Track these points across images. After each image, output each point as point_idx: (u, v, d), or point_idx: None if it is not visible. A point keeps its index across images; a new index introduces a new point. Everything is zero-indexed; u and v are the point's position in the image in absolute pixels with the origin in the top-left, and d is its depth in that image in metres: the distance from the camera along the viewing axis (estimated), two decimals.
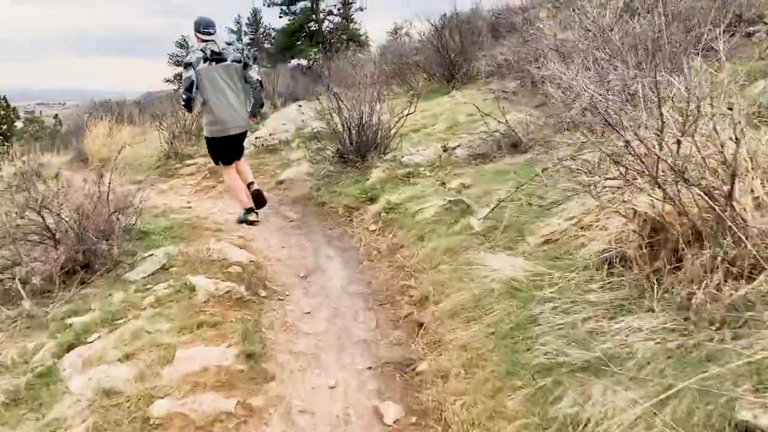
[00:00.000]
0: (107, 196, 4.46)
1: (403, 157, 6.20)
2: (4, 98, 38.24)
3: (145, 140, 11.97)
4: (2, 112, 37.65)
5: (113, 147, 11.68)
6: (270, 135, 8.47)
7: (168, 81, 52.23)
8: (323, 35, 31.99)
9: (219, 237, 5.01)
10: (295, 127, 8.83)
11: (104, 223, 4.34)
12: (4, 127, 36.73)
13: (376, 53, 33.53)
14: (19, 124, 40.30)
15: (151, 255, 4.20)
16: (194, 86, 4.95)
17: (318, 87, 18.99)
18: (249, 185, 5.52)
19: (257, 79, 5.28)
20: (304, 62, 33.04)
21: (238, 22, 56.22)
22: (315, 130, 8.38)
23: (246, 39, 56.30)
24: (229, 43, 5.20)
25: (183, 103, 5.14)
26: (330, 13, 33.16)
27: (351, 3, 33.71)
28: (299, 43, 31.74)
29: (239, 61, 5.14)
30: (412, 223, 4.59)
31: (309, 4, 32.10)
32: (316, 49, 32.42)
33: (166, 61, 52.38)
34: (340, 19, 33.73)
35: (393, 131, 6.55)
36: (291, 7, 32.60)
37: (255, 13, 57.02)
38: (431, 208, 4.62)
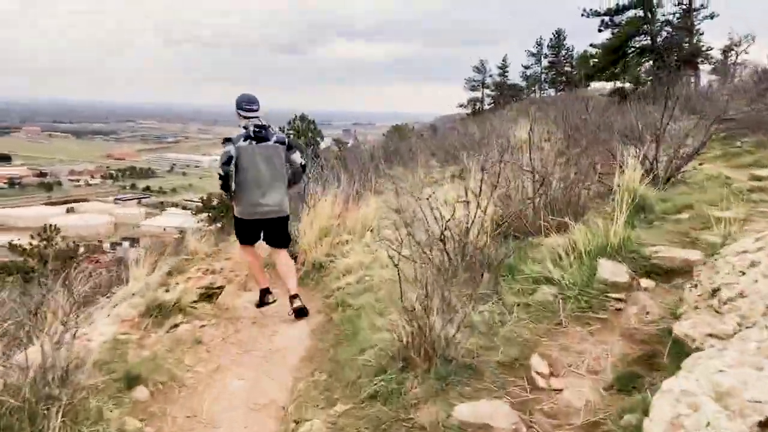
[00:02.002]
0: None
1: None
2: (312, 121, 39.48)
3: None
4: (310, 134, 39.27)
5: (344, 237, 6.26)
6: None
7: (461, 105, 49.59)
8: (658, 50, 23.40)
9: None
10: None
11: None
12: (310, 148, 37.88)
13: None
14: (323, 144, 41.43)
15: None
16: (232, 161, 4.43)
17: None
18: (292, 299, 4.56)
19: (301, 164, 4.84)
20: (625, 85, 24.95)
21: (539, 44, 51.21)
22: None
23: (545, 62, 50.67)
24: (266, 126, 4.64)
25: (220, 180, 4.55)
26: (667, 23, 24.33)
27: (698, 9, 24.30)
28: (624, 60, 23.71)
29: (283, 143, 4.68)
30: None
31: (641, 13, 23.81)
32: (641, 68, 24.03)
33: (462, 85, 50.15)
34: (675, 31, 24.64)
35: None
36: (615, 17, 24.73)
37: (558, 33, 51.12)
38: None
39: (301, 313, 4.51)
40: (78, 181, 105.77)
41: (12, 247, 28.04)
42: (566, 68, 49.74)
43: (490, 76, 50.49)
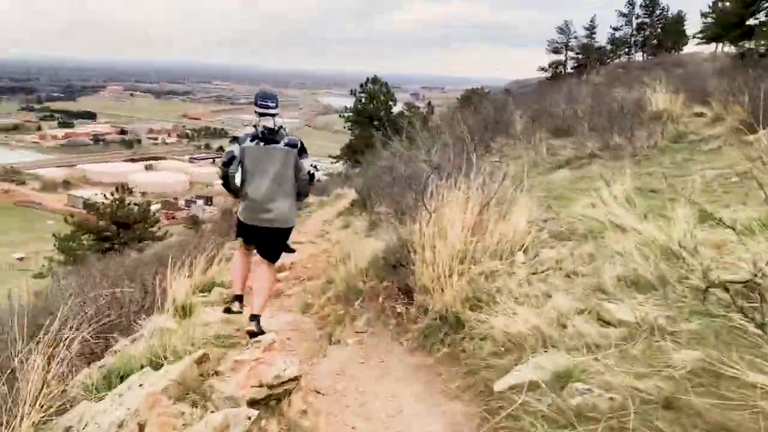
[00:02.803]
0: None
1: None
2: (385, 83, 37.69)
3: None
4: (383, 98, 37.48)
5: (486, 265, 3.90)
6: None
7: (542, 69, 45.62)
8: None
9: None
10: None
11: None
12: (382, 112, 36.44)
13: None
14: (395, 109, 39.68)
15: None
16: (234, 162, 4.09)
17: None
18: (251, 318, 4.00)
19: (309, 171, 4.30)
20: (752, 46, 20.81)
21: (630, 3, 46.91)
22: None
23: (635, 23, 46.05)
24: (280, 128, 4.18)
25: (221, 180, 4.25)
26: None
27: None
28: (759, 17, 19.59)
29: (294, 146, 4.17)
30: None
31: None
32: None
33: (545, 47, 46.60)
34: None
35: None
36: None
37: None
38: None
39: (252, 335, 4.02)
40: (156, 139, 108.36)
41: (87, 205, 27.43)
42: (659, 30, 44.89)
43: (575, 37, 46.45)
